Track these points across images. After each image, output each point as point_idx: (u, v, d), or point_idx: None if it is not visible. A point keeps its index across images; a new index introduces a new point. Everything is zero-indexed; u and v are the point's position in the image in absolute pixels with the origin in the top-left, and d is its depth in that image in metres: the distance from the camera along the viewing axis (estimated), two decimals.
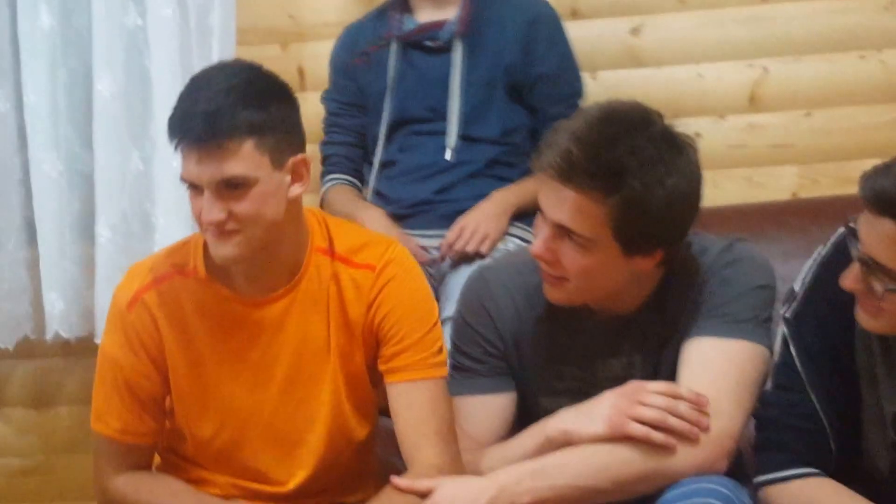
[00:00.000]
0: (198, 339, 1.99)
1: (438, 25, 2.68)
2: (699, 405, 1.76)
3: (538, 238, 1.85)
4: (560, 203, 1.80)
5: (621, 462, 1.75)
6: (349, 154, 2.80)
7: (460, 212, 2.60)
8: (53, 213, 2.82)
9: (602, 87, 2.83)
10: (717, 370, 1.82)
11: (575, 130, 1.79)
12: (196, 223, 1.91)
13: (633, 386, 1.80)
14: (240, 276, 1.96)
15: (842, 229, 1.81)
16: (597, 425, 1.77)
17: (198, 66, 2.73)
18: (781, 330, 1.86)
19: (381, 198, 2.72)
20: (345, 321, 1.99)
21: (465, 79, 2.64)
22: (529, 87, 2.68)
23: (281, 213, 1.89)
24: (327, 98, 2.84)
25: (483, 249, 2.52)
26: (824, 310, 1.81)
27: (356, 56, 2.76)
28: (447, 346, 2.29)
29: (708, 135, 2.84)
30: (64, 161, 2.82)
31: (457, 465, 1.94)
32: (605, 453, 1.76)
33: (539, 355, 1.98)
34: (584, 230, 1.79)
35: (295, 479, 2.04)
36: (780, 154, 2.87)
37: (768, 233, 2.53)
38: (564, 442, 1.80)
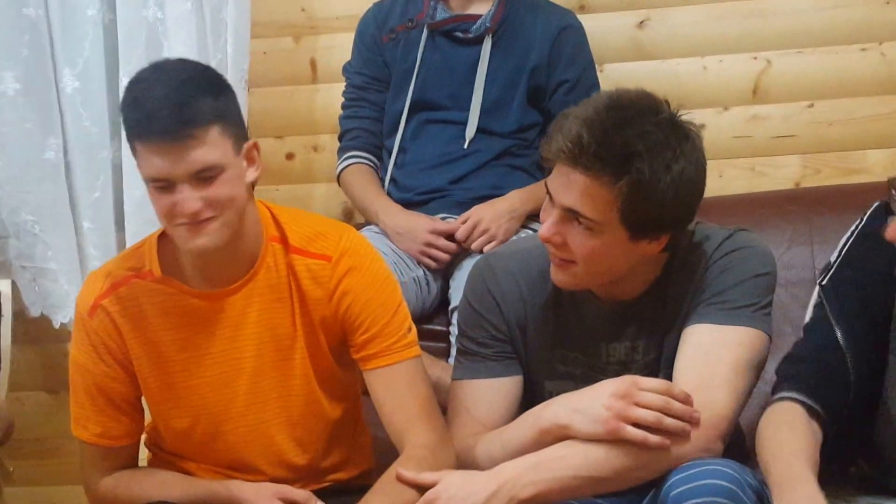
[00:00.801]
0: (161, 339, 2.00)
1: (472, 18, 2.72)
2: (689, 403, 1.77)
3: (547, 222, 1.87)
4: (569, 187, 1.82)
5: (621, 453, 1.77)
6: (372, 129, 2.81)
7: (473, 199, 2.65)
8: (93, 199, 2.86)
9: (608, 79, 2.86)
10: (712, 356, 1.84)
11: (585, 116, 1.81)
12: (163, 221, 1.90)
13: (627, 384, 1.80)
14: (197, 271, 1.97)
15: (877, 203, 1.84)
16: (594, 426, 1.78)
17: (213, 60, 2.79)
18: (814, 297, 1.88)
19: (394, 185, 2.76)
20: (306, 310, 2.00)
21: (491, 74, 2.69)
22: (549, 93, 2.72)
23: (245, 197, 1.91)
24: (351, 70, 2.85)
25: (485, 250, 2.56)
26: (860, 272, 1.83)
27: (385, 33, 2.78)
28: (454, 331, 2.33)
29: (712, 126, 2.88)
30: (100, 149, 2.86)
31: (445, 441, 1.96)
32: (604, 445, 1.78)
33: (544, 340, 2.00)
34: (593, 213, 1.81)
35: (278, 466, 2.06)
36: (783, 144, 2.90)
37: (771, 222, 2.56)
38: (562, 435, 1.82)
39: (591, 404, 1.79)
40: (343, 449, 2.13)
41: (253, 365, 2.00)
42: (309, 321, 2.00)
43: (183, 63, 1.93)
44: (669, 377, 1.87)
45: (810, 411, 1.81)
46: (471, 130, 2.68)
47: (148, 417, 2.13)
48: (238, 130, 1.90)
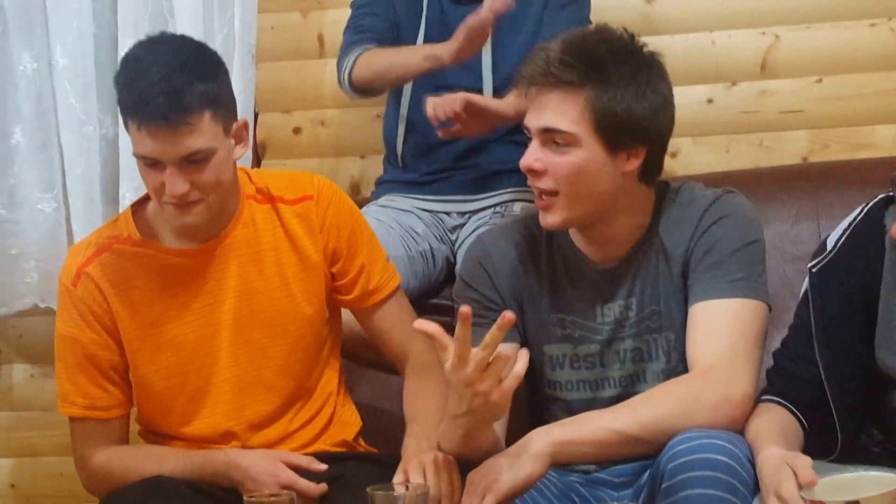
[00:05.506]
0: (144, 299, 2.06)
1: None
2: None
3: (526, 153, 1.93)
4: (541, 108, 1.91)
5: (657, 416, 1.79)
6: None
7: (480, 178, 2.63)
8: (82, 175, 2.84)
9: None
10: (731, 335, 1.87)
11: (552, 43, 1.93)
12: (152, 195, 1.98)
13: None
14: (176, 232, 2.04)
15: (880, 196, 1.84)
16: None
17: (219, 34, 2.77)
18: (805, 282, 1.89)
19: (393, 165, 2.72)
20: (300, 257, 2.09)
21: (495, 40, 2.56)
22: None
23: (232, 174, 2.00)
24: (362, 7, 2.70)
25: None
26: (850, 267, 1.84)
27: None
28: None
29: (721, 101, 2.88)
30: (92, 124, 2.84)
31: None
32: (637, 409, 1.82)
33: (541, 307, 2.04)
34: (567, 126, 1.88)
35: (259, 429, 2.10)
36: (791, 119, 2.89)
37: (778, 197, 2.55)
38: None
39: None
40: (327, 417, 2.17)
41: (236, 317, 2.07)
42: (305, 268, 2.09)
43: (180, 42, 1.98)
44: (672, 339, 1.96)
45: (785, 407, 1.87)
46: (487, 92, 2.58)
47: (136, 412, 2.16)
48: (229, 113, 1.97)
